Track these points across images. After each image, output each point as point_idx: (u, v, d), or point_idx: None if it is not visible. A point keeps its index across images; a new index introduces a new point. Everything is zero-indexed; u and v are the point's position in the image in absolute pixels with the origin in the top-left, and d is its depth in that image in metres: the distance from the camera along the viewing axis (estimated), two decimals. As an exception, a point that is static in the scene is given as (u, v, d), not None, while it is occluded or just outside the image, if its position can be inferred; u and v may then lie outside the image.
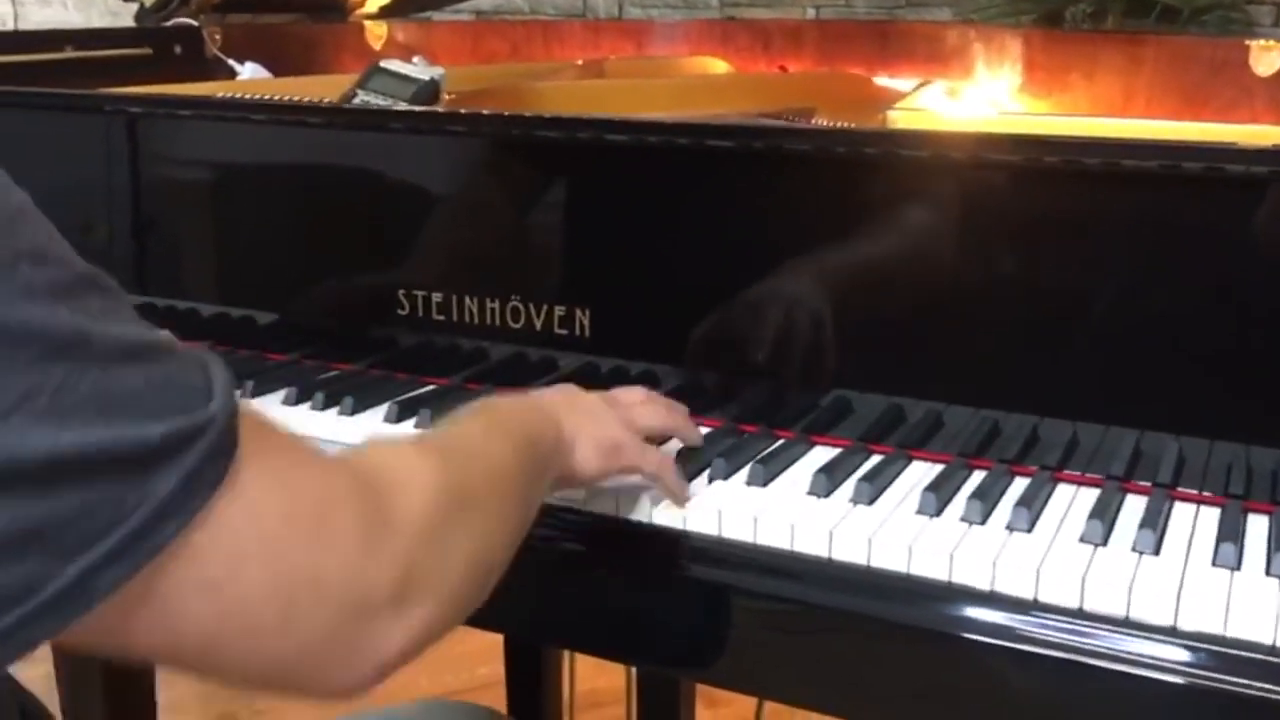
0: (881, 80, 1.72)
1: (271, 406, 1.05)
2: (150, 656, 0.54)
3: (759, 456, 0.91)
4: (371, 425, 1.01)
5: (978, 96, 1.75)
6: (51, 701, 1.35)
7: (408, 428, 1.00)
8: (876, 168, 0.96)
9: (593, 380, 1.04)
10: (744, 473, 0.90)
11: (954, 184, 0.94)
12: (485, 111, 1.11)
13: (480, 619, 0.89)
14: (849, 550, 0.80)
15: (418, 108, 1.20)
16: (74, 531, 0.47)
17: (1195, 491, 0.87)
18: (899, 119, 1.21)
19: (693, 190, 1.00)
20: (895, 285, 0.97)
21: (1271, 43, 1.27)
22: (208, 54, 1.72)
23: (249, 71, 1.74)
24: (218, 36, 1.72)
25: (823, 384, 0.99)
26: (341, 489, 0.56)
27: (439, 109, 1.18)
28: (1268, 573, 0.76)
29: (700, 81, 1.59)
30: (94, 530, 0.47)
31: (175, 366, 0.51)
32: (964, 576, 0.77)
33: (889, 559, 0.79)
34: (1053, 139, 0.96)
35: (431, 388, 1.09)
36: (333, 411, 1.04)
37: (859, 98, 1.66)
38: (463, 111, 1.13)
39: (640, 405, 0.88)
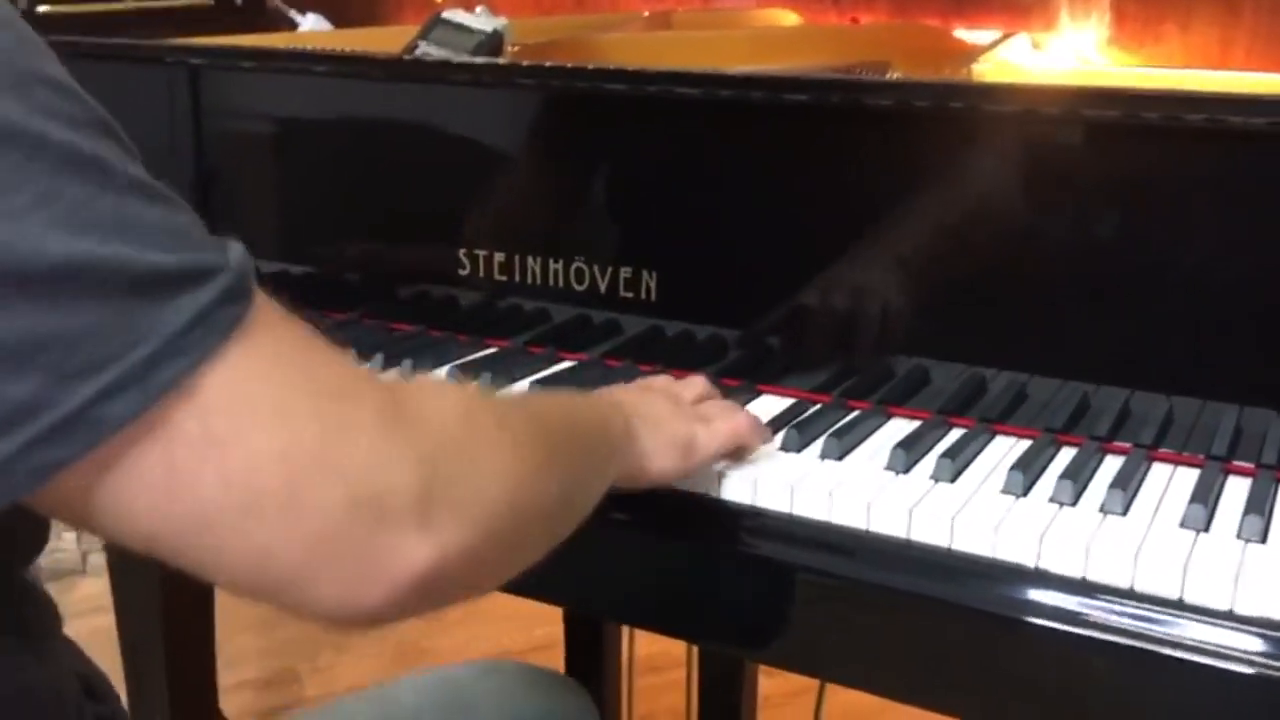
0: (959, 33, 1.65)
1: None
2: (138, 531, 0.48)
3: (833, 429, 0.87)
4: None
5: (1063, 49, 1.67)
6: (110, 652, 1.35)
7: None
8: (958, 124, 0.91)
9: (658, 346, 1.01)
10: (818, 445, 0.86)
11: (1038, 142, 0.89)
12: (550, 64, 1.06)
13: (537, 590, 0.86)
14: (930, 531, 0.76)
15: (480, 59, 1.15)
16: (82, 351, 0.45)
17: (1302, 474, 0.81)
18: (984, 74, 1.14)
19: (764, 148, 0.95)
20: (976, 249, 0.92)
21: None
22: (268, 4, 1.69)
23: (310, 22, 1.70)
24: (278, -14, 1.69)
25: (899, 352, 0.94)
26: (363, 380, 0.52)
27: (501, 61, 1.14)
28: (1385, 564, 0.70)
29: (770, 34, 1.53)
30: (103, 353, 0.45)
31: (191, 218, 0.50)
32: (1053, 562, 0.73)
33: (973, 542, 0.75)
34: (1146, 94, 0.89)
35: (493, 350, 1.05)
36: (392, 373, 1.01)
37: (935, 51, 1.59)
38: (526, 64, 1.08)
39: (704, 405, 0.84)
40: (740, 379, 0.98)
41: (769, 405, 0.94)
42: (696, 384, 0.87)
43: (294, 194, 1.21)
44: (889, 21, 1.63)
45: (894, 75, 1.51)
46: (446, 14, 1.25)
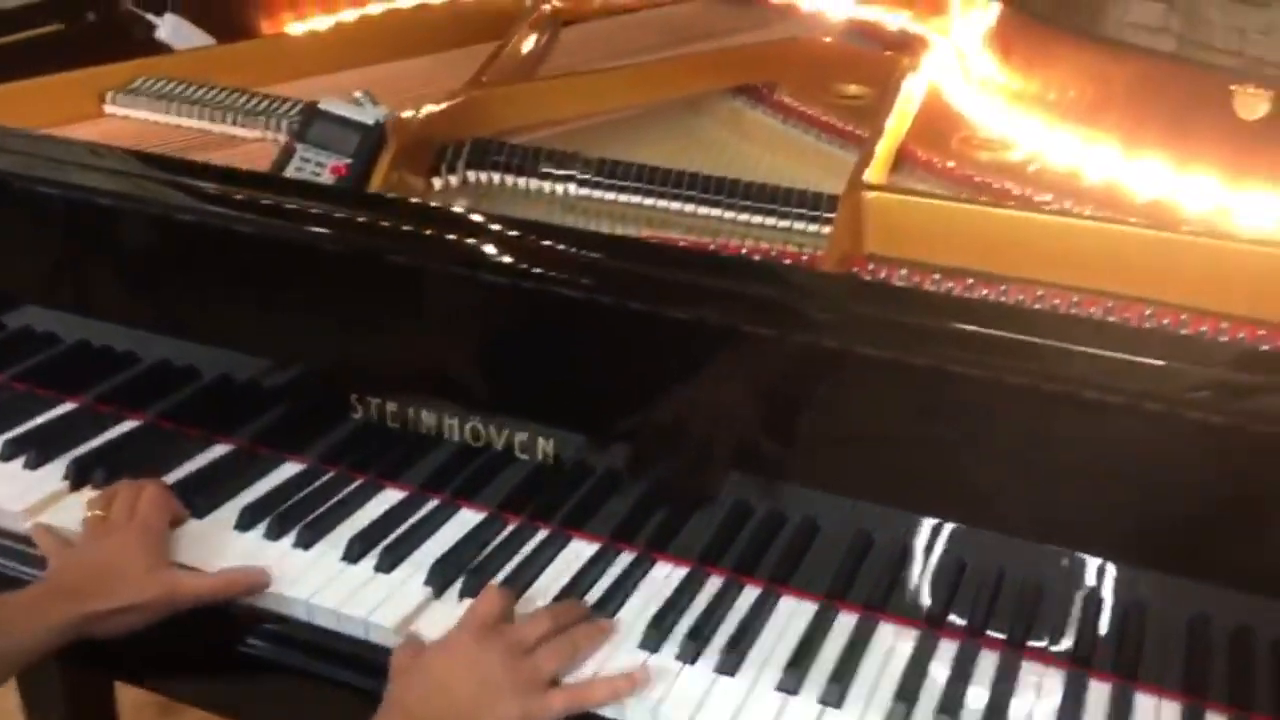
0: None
1: (224, 530, 1.02)
2: None
3: (729, 638, 0.91)
4: (330, 557, 0.99)
5: (946, 52, 1.67)
6: None
7: (365, 567, 0.98)
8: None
9: (555, 504, 1.02)
10: (713, 658, 0.90)
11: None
12: (432, 238, 1.02)
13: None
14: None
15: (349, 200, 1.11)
16: None
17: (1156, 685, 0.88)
18: (873, 200, 1.13)
19: (652, 334, 0.95)
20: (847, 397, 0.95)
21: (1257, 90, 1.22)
22: (121, 8, 1.58)
23: (169, 26, 1.60)
24: (131, -12, 1.57)
25: (787, 482, 0.97)
26: None
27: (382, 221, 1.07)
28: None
29: (658, 67, 1.50)
30: None
31: None
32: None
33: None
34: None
35: (393, 500, 1.06)
36: (285, 542, 1.01)
37: (823, 66, 1.58)
38: (406, 231, 1.03)
39: (544, 652, 0.87)
40: (636, 544, 1.01)
41: (664, 580, 0.98)
42: (542, 622, 0.89)
43: (192, 314, 1.15)
44: (776, 41, 1.59)
45: (781, 96, 1.51)
46: (324, 105, 1.19)
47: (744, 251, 1.10)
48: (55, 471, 1.09)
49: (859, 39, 1.76)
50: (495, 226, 1.01)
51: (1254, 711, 0.86)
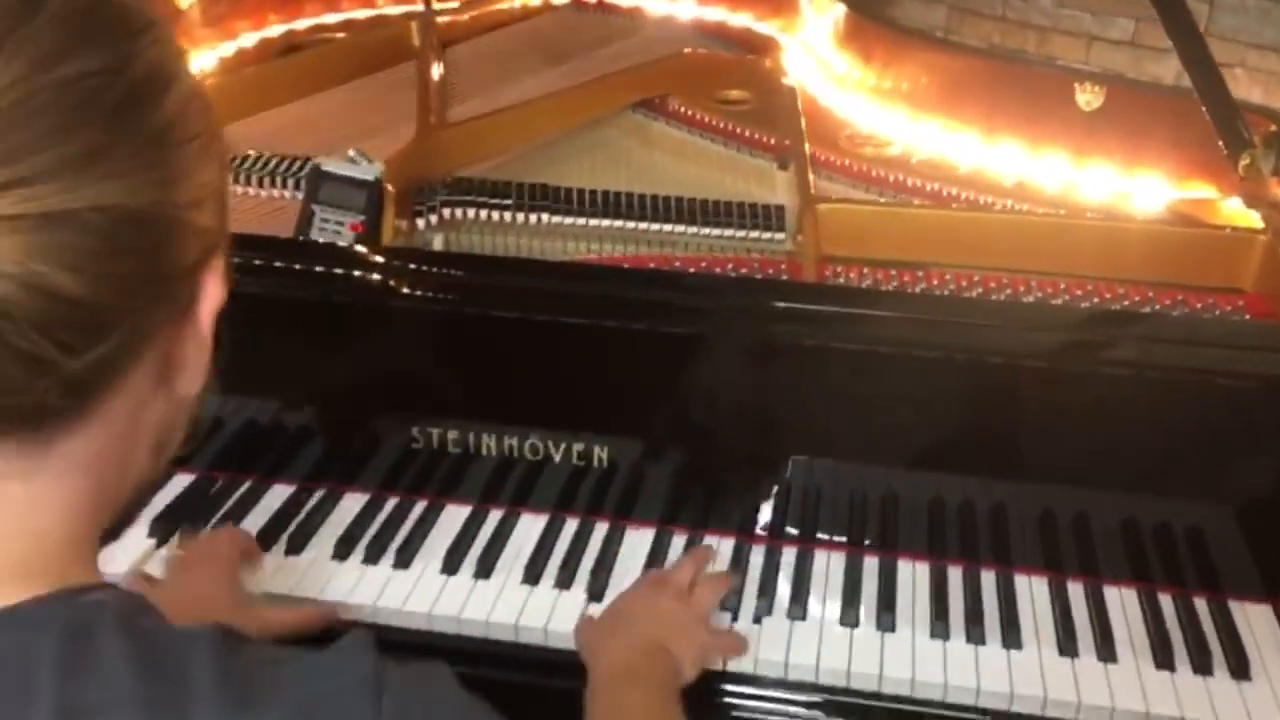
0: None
1: (324, 561, 1.14)
2: None
3: (794, 593, 1.12)
4: (430, 572, 1.13)
5: (806, 49, 1.89)
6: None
7: (465, 577, 1.13)
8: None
9: (611, 501, 1.20)
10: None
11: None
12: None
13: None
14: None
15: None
16: None
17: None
18: (825, 210, 1.34)
19: (680, 340, 1.14)
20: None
21: (1094, 88, 1.50)
22: None
23: None
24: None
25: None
26: None
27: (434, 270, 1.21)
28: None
29: (570, 95, 1.65)
30: None
31: None
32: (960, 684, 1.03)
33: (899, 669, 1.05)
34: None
35: (462, 523, 1.20)
36: (385, 565, 1.14)
37: (708, 75, 1.77)
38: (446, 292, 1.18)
39: (700, 591, 1.06)
40: (690, 526, 1.20)
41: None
42: (690, 567, 1.09)
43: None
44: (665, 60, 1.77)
45: (676, 104, 1.69)
46: (327, 166, 1.30)
47: (731, 264, 1.30)
48: (139, 532, 1.18)
49: (715, 41, 1.97)
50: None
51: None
